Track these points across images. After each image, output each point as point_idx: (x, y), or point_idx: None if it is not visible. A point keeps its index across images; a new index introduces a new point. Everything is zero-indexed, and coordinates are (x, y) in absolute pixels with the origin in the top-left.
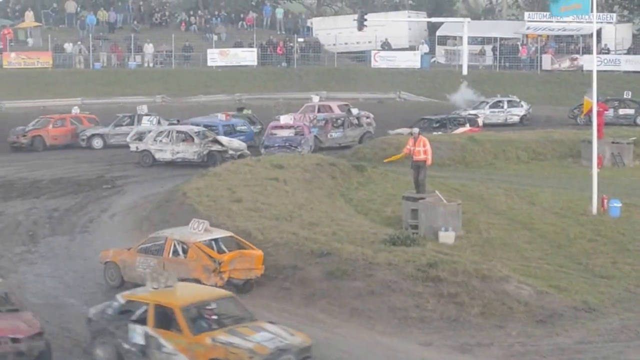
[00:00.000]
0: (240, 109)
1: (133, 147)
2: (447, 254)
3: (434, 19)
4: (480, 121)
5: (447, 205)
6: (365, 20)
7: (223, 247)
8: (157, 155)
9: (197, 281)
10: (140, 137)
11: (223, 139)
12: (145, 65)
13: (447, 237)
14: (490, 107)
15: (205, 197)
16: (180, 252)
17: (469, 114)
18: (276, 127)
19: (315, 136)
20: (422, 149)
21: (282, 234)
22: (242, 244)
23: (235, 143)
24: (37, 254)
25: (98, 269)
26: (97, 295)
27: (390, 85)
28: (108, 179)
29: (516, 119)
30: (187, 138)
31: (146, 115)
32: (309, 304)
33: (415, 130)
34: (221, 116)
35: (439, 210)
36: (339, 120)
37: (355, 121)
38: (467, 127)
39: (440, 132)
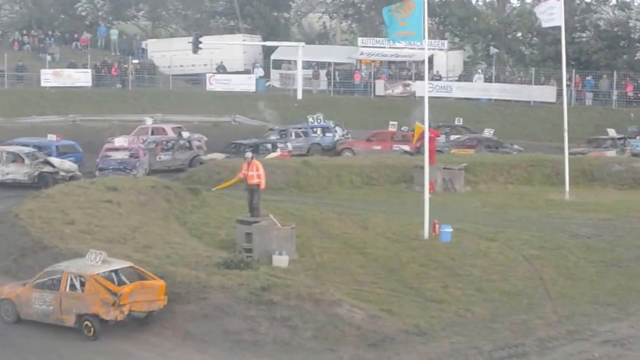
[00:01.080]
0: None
1: None
2: (280, 278)
3: (268, 43)
4: (290, 145)
5: (281, 229)
6: (201, 42)
7: (123, 278)
8: None
9: (96, 316)
10: None
11: (54, 160)
12: None
13: (281, 260)
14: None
15: (37, 219)
16: (78, 286)
17: (278, 139)
18: (110, 150)
19: None
20: (256, 172)
21: (115, 257)
22: (143, 274)
23: (66, 164)
24: None
25: None
26: None
27: (226, 108)
28: None
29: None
30: (17, 159)
31: None
32: (141, 327)
33: (249, 154)
34: (51, 137)
35: (272, 233)
36: (168, 143)
37: (186, 144)
38: (278, 152)
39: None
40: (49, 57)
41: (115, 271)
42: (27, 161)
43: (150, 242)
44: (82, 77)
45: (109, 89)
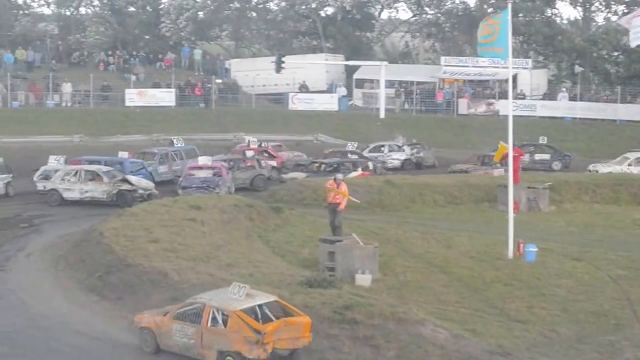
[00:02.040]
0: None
1: (40, 186)
2: (363, 297)
3: (351, 62)
4: (371, 165)
5: (364, 248)
6: (284, 62)
7: (267, 312)
8: (66, 195)
9: (239, 354)
10: (46, 176)
11: (132, 178)
12: (64, 104)
13: (364, 280)
14: (371, 151)
15: (122, 237)
16: (220, 322)
17: (356, 158)
18: (194, 168)
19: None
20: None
21: (199, 275)
22: (288, 309)
23: (144, 183)
24: None
25: (14, 308)
26: (11, 335)
27: (308, 128)
28: (25, 218)
29: (397, 163)
30: (95, 177)
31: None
32: None
33: (340, 175)
34: (122, 154)
35: (356, 253)
36: (230, 163)
37: (248, 164)
38: (360, 172)
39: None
40: (133, 78)
41: (260, 305)
42: (105, 179)
43: (233, 260)
44: (166, 97)
45: (193, 109)
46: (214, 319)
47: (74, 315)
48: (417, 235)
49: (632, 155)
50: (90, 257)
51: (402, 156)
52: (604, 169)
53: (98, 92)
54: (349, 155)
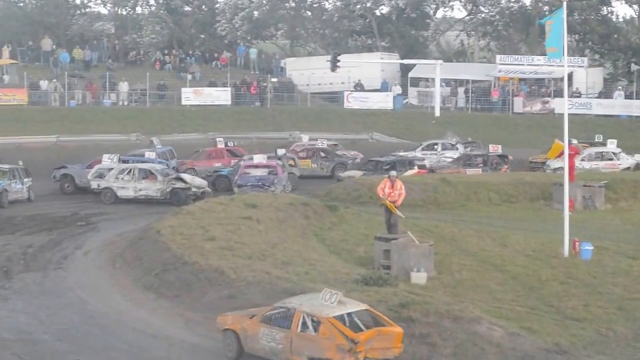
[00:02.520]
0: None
1: (94, 184)
2: (419, 295)
3: (406, 61)
4: (427, 163)
5: (419, 246)
6: (339, 61)
7: (357, 320)
8: (120, 193)
9: None
10: (100, 175)
11: (186, 176)
12: (120, 103)
13: (419, 277)
14: (423, 149)
15: (178, 235)
16: (310, 327)
17: (409, 156)
18: (249, 167)
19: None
20: (398, 192)
21: (255, 272)
22: (379, 318)
23: (197, 180)
24: (11, 289)
25: (72, 305)
26: (70, 332)
27: (363, 126)
28: (82, 216)
29: (622, 165)
30: (149, 175)
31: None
32: None
33: (393, 173)
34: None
35: (411, 251)
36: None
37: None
38: (416, 170)
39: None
40: (189, 76)
41: (349, 314)
42: (159, 177)
43: (289, 258)
44: (221, 96)
45: (248, 107)
46: (304, 324)
47: (130, 312)
48: (472, 233)
49: None
50: (147, 255)
51: (455, 154)
52: None
53: (154, 90)
54: (340, 153)
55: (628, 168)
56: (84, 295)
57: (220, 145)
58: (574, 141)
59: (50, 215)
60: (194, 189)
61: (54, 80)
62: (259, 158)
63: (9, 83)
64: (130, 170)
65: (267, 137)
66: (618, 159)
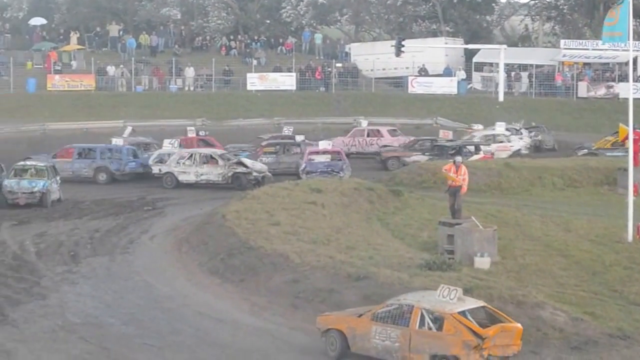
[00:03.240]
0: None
1: (155, 169)
2: (482, 280)
3: (470, 46)
4: (493, 148)
5: (483, 231)
6: (403, 46)
7: (469, 317)
8: (181, 178)
9: (455, 358)
10: (161, 159)
11: (247, 161)
12: (186, 88)
13: (482, 262)
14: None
15: (244, 219)
16: (431, 324)
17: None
18: (314, 153)
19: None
20: (462, 176)
21: (319, 257)
22: (497, 315)
23: (258, 165)
24: (79, 273)
25: (138, 289)
26: (136, 315)
27: (427, 111)
28: (149, 200)
29: (514, 147)
30: (209, 160)
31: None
32: None
33: (459, 158)
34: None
35: (474, 235)
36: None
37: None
38: (482, 154)
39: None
40: (254, 62)
41: (468, 310)
42: (220, 162)
43: (353, 243)
44: (286, 81)
45: (313, 92)
46: (422, 321)
47: (196, 296)
48: (536, 218)
49: None
50: (212, 240)
51: (519, 140)
52: None
53: (220, 76)
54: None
55: None
56: (150, 279)
57: (192, 135)
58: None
59: (117, 200)
60: (255, 174)
61: (121, 65)
62: (324, 144)
63: (77, 69)
64: (191, 155)
65: (331, 122)
66: None
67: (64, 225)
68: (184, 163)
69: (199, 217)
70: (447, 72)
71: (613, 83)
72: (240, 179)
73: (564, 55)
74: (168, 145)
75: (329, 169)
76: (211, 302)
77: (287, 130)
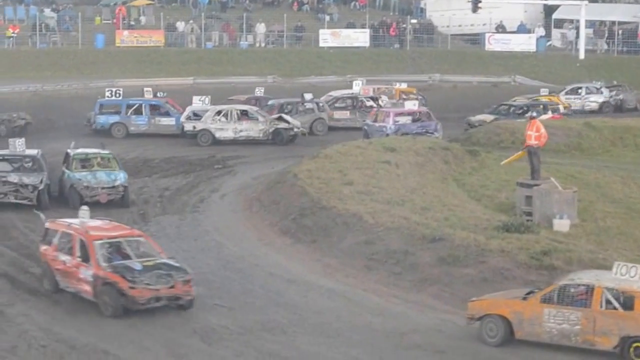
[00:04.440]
0: None
1: (189, 126)
2: (561, 243)
3: (550, 2)
4: (561, 107)
5: (562, 193)
6: (480, 2)
7: None
8: (218, 134)
9: None
10: (193, 116)
11: (287, 117)
12: (257, 45)
13: (561, 225)
14: (567, 93)
15: (316, 179)
16: (618, 304)
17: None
18: (399, 114)
19: None
20: (535, 133)
21: (393, 218)
22: None
23: (296, 121)
24: (148, 232)
25: (208, 249)
26: (207, 276)
27: (505, 69)
28: (219, 159)
29: (594, 105)
30: (249, 116)
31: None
32: (419, 289)
33: (534, 114)
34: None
35: (554, 197)
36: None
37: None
38: (550, 114)
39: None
40: (327, 18)
41: None
42: (261, 118)
43: (428, 204)
44: (360, 37)
45: (387, 49)
46: (608, 301)
47: (267, 257)
48: (617, 179)
49: None
50: (284, 199)
51: (599, 98)
52: None
53: (291, 32)
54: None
55: None
56: (220, 239)
57: (148, 96)
58: None
59: (187, 158)
60: (295, 129)
61: (191, 21)
62: (409, 105)
63: (146, 24)
64: (227, 112)
65: (406, 80)
66: None
67: (133, 183)
68: (219, 120)
69: (270, 176)
70: (522, 29)
71: None
72: (282, 134)
73: None
74: (198, 102)
75: (423, 130)
76: (282, 263)
77: (258, 91)
